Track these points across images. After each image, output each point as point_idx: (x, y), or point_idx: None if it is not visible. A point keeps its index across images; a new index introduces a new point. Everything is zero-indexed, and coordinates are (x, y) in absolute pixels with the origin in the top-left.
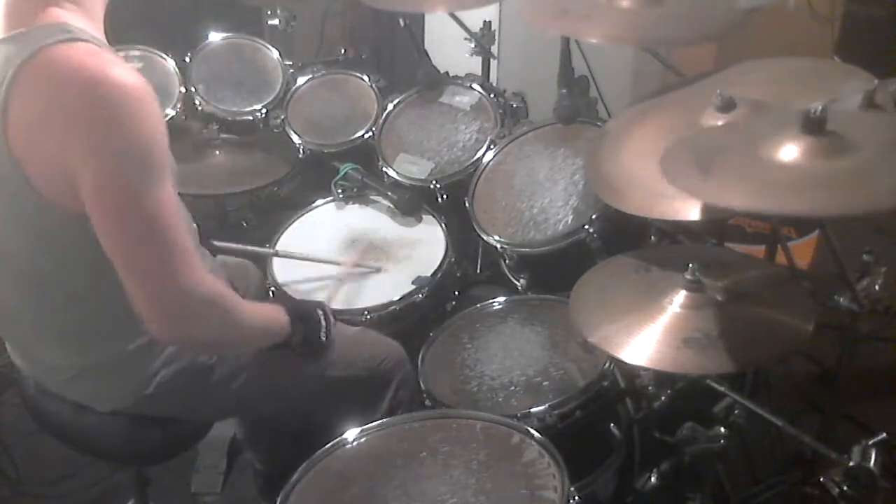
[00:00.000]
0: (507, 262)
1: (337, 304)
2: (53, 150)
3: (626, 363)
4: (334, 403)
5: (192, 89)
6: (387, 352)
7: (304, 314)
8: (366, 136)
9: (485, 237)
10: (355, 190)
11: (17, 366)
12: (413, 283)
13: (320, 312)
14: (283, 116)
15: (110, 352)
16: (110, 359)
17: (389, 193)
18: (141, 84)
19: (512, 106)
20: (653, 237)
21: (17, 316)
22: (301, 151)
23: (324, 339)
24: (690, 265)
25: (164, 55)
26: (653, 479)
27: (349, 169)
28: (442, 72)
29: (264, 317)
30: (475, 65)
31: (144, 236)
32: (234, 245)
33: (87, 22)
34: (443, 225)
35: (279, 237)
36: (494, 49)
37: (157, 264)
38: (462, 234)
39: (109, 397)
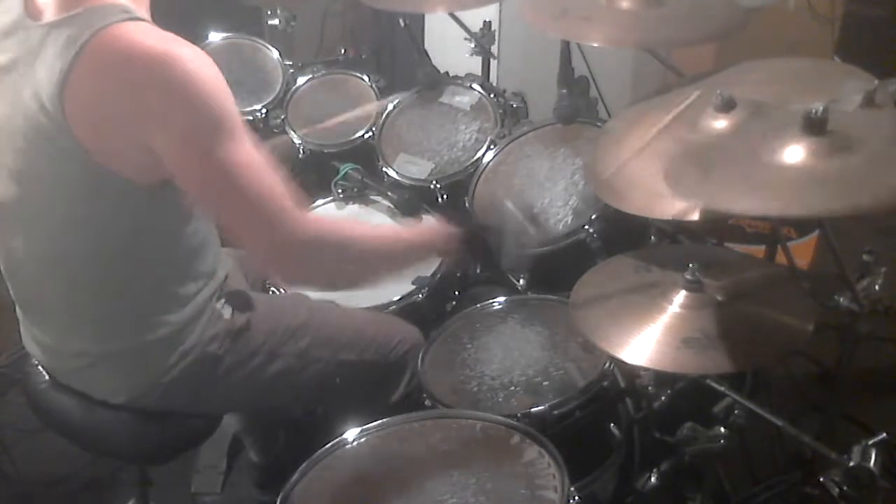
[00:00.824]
0: None
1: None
2: (123, 126)
3: (626, 363)
4: (347, 387)
5: None
6: (402, 335)
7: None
8: (366, 136)
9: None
10: (355, 190)
11: (30, 354)
12: (413, 283)
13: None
14: (283, 116)
15: (133, 340)
16: (131, 348)
17: (389, 193)
18: (200, 54)
19: (512, 106)
20: (653, 237)
21: (46, 296)
22: (301, 151)
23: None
24: (690, 265)
25: None
26: (653, 479)
27: (349, 169)
28: (442, 72)
29: (396, 238)
30: (475, 65)
31: (237, 194)
32: None
33: (136, 4)
34: None
35: None
36: (494, 49)
37: (256, 217)
38: None
39: (124, 388)
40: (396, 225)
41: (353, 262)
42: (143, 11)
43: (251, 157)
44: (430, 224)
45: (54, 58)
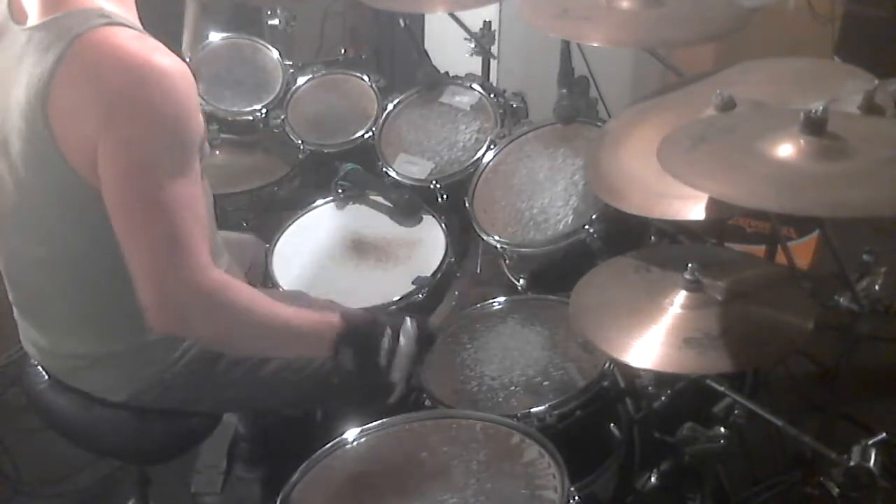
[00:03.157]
0: (507, 262)
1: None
2: (91, 131)
3: (626, 364)
4: (345, 390)
5: None
6: None
7: (358, 328)
8: (366, 136)
9: (485, 237)
10: (355, 190)
11: (29, 354)
12: (413, 283)
13: (384, 328)
14: (283, 116)
15: (132, 341)
16: (133, 348)
17: (389, 193)
18: (181, 69)
19: (512, 106)
20: (653, 237)
21: (43, 299)
22: (301, 151)
23: (382, 362)
24: (690, 265)
25: None
26: (653, 479)
27: (349, 169)
28: (442, 72)
29: (297, 319)
30: (475, 65)
31: (157, 221)
32: None
33: (120, 7)
34: (443, 225)
35: (279, 237)
36: (494, 49)
37: (167, 251)
38: (462, 234)
39: (124, 386)
40: (296, 308)
41: (242, 332)
42: (130, 14)
43: (186, 193)
44: (329, 320)
45: (34, 64)
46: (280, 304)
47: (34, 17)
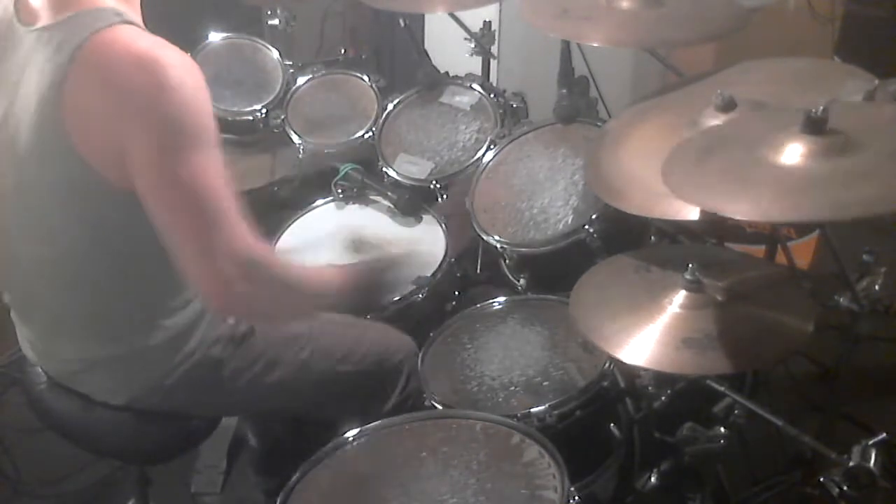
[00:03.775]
0: (507, 262)
1: None
2: (107, 128)
3: (625, 363)
4: (345, 396)
5: None
6: (397, 343)
7: (363, 277)
8: (366, 136)
9: (485, 237)
10: (355, 190)
11: (28, 357)
12: (413, 283)
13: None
14: (283, 116)
15: (133, 344)
16: (132, 351)
17: (389, 193)
18: (189, 62)
19: (512, 106)
20: (653, 237)
21: (42, 301)
22: (301, 151)
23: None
24: (690, 265)
25: None
26: (653, 479)
27: (349, 169)
28: (442, 72)
29: (318, 279)
30: (475, 65)
31: (191, 203)
32: None
33: (127, 7)
34: (443, 225)
35: (279, 237)
36: (494, 49)
37: (206, 233)
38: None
39: (124, 390)
40: (326, 268)
41: (293, 295)
42: (135, 14)
43: (214, 173)
44: (344, 272)
45: (46, 62)
46: (303, 269)
47: (45, 17)
